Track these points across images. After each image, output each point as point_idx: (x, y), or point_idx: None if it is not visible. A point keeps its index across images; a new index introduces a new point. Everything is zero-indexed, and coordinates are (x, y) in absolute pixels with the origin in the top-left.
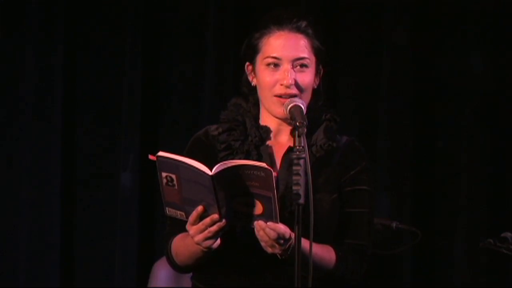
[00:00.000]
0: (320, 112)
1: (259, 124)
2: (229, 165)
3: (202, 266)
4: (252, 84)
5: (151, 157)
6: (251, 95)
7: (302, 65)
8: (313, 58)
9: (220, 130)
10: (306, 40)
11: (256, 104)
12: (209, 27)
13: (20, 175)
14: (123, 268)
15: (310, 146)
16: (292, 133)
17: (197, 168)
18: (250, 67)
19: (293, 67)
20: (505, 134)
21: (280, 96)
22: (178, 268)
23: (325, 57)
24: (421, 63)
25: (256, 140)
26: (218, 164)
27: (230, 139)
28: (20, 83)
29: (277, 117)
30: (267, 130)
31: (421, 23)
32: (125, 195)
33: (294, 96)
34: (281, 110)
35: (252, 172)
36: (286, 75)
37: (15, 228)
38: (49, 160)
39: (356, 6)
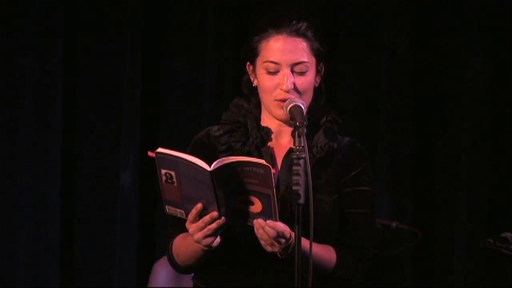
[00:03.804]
0: (322, 113)
1: (260, 125)
2: (228, 161)
3: (203, 266)
4: (253, 85)
5: (150, 153)
6: (252, 96)
7: (301, 69)
8: (313, 60)
9: (222, 131)
10: (305, 43)
11: (258, 105)
12: (209, 27)
13: (20, 175)
14: (123, 268)
15: (311, 147)
16: (293, 134)
17: (196, 164)
18: (251, 67)
19: (292, 71)
20: (505, 134)
21: (280, 100)
22: (179, 268)
23: (326, 56)
24: (421, 63)
25: (257, 142)
26: (217, 161)
27: (231, 140)
28: (20, 83)
29: (278, 119)
30: (268, 132)
31: (421, 23)
32: (125, 195)
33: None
34: (281, 112)
35: (251, 169)
36: (285, 80)
37: (15, 228)
38: (49, 160)
39: (356, 6)
